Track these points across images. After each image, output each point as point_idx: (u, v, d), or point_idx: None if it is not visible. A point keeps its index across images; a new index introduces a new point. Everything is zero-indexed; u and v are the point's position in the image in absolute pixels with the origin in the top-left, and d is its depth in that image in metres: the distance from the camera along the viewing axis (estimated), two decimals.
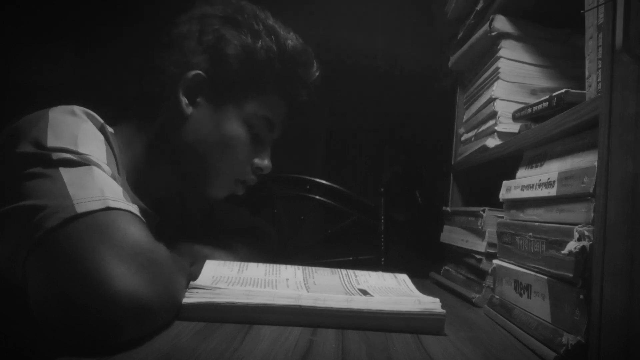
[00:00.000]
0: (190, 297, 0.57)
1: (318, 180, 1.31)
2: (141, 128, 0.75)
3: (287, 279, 0.69)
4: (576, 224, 0.48)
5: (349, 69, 1.65)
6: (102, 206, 0.51)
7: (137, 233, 0.51)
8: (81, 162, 0.55)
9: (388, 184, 1.42)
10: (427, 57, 1.41)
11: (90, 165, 0.55)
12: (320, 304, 0.58)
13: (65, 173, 0.53)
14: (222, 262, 0.72)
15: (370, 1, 1.59)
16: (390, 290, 0.68)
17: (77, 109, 0.62)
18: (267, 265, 0.75)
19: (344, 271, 0.76)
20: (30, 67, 1.39)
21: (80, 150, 0.56)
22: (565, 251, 0.48)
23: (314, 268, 0.77)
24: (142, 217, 0.55)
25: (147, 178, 0.74)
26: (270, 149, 0.82)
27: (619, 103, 0.43)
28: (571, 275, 0.47)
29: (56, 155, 0.54)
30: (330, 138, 1.77)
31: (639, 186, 0.42)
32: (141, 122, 0.75)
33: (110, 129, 0.66)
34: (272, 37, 0.77)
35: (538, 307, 0.56)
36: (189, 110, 0.73)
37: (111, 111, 0.70)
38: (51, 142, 0.55)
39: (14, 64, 1.38)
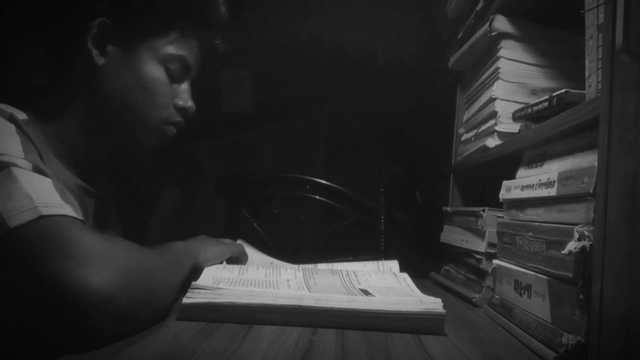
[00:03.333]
0: (192, 298, 0.57)
1: (318, 180, 1.31)
2: (56, 96, 0.71)
3: (288, 280, 0.69)
4: (576, 224, 0.48)
5: (349, 69, 1.65)
6: (35, 215, 0.49)
7: (78, 234, 0.50)
8: None
9: (388, 184, 1.42)
10: (427, 57, 1.41)
11: (8, 167, 0.52)
12: (322, 304, 0.58)
13: None
14: (221, 265, 0.73)
15: (371, 1, 1.59)
16: (391, 290, 0.68)
17: None
18: (267, 267, 0.75)
19: (344, 271, 0.77)
20: (31, 67, 1.39)
21: None
22: (565, 251, 0.48)
23: (315, 268, 0.78)
24: (78, 216, 0.53)
25: (76, 145, 0.70)
26: (190, 89, 0.79)
27: (619, 103, 0.43)
28: (571, 275, 0.47)
29: None
30: (330, 138, 1.77)
31: (639, 186, 0.42)
32: (54, 89, 0.72)
33: (24, 116, 0.62)
34: None
35: (538, 307, 0.56)
36: (101, 60, 0.70)
37: (26, 97, 0.67)
38: None
39: (14, 64, 1.38)
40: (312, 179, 1.31)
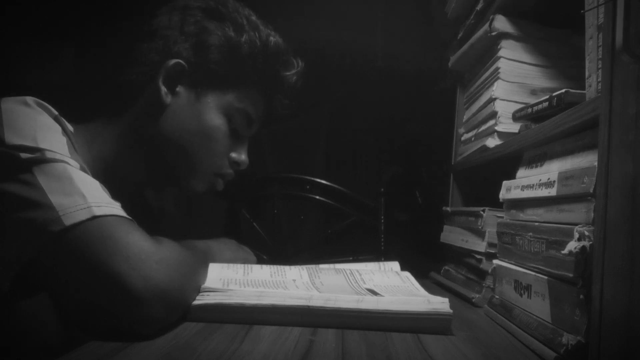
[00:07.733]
0: (202, 299, 0.57)
1: (318, 180, 1.31)
2: (111, 121, 0.72)
3: (294, 280, 0.69)
4: (576, 224, 0.48)
5: (349, 69, 1.65)
6: (89, 215, 0.50)
7: (131, 234, 0.52)
8: (51, 160, 0.53)
9: (388, 184, 1.42)
10: (427, 57, 1.41)
11: (61, 162, 0.53)
12: (330, 304, 0.58)
13: (41, 177, 0.51)
14: (225, 265, 0.73)
15: (370, 1, 1.59)
16: (397, 289, 0.68)
17: (29, 99, 0.59)
18: (271, 266, 0.75)
19: (347, 270, 0.77)
20: (30, 67, 1.39)
21: (42, 145, 0.53)
22: (566, 251, 0.48)
23: (318, 268, 0.78)
24: (127, 216, 0.55)
25: (115, 170, 0.70)
26: (247, 144, 0.81)
27: (619, 103, 0.43)
28: (571, 275, 0.47)
29: (24, 156, 0.51)
30: (330, 138, 1.77)
31: (639, 186, 0.42)
32: (112, 115, 0.72)
33: (69, 126, 0.63)
34: (256, 32, 0.75)
35: (538, 307, 0.56)
36: (168, 99, 0.71)
37: (78, 109, 0.68)
38: (9, 138, 0.52)
39: (14, 64, 1.37)
40: (312, 179, 1.31)
